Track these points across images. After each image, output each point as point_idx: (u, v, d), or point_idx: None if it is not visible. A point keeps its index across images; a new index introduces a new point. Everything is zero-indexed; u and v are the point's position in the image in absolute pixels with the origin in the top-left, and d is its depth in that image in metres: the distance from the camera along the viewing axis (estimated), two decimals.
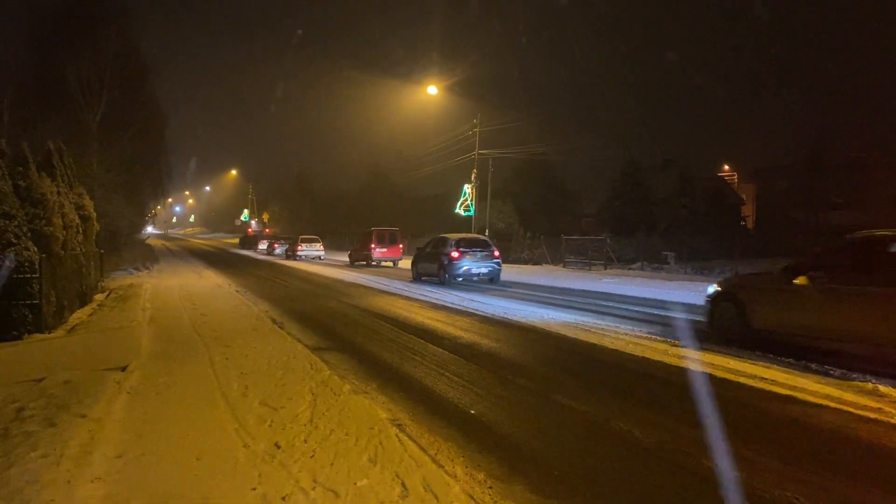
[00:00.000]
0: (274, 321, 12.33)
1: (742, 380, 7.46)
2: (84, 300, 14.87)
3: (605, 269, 30.15)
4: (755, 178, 58.42)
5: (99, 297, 16.74)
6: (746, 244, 35.29)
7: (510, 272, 27.46)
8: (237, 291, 18.75)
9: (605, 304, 15.85)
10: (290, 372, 7.73)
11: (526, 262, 35.38)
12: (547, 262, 34.47)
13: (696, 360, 8.39)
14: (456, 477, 4.56)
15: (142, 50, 35.67)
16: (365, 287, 20.73)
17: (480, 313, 13.57)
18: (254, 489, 4.26)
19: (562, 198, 53.62)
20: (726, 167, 63.14)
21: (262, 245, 58.03)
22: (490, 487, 4.45)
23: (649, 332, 10.83)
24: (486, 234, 38.06)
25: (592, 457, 5.11)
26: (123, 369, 7.76)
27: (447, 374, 7.94)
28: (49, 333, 10.77)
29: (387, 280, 23.65)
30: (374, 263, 33.16)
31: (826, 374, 7.64)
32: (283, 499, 4.12)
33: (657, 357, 8.77)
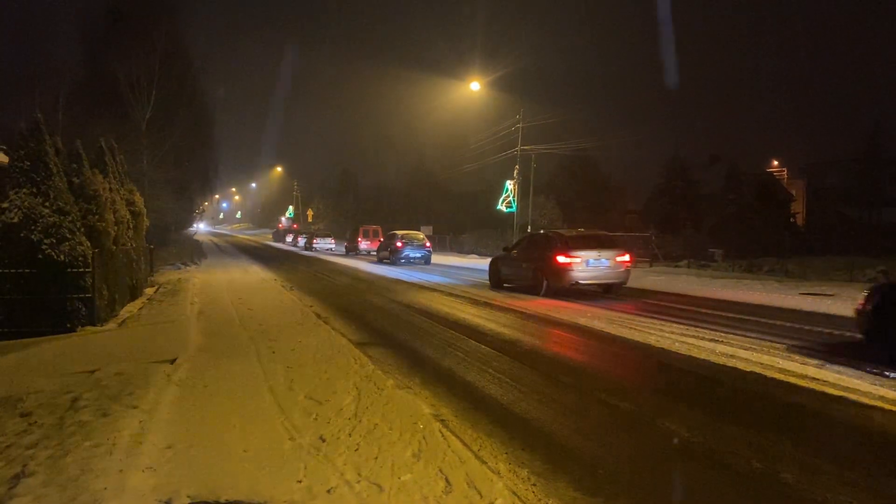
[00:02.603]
0: (318, 316, 12.46)
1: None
2: (134, 294, 15.24)
3: (651, 266, 29.74)
4: (805, 174, 57.01)
5: (149, 291, 17.12)
6: (797, 241, 34.46)
7: None
8: (283, 287, 19.02)
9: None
10: (334, 366, 7.80)
11: None
12: None
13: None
14: (499, 473, 4.55)
15: (190, 49, 36.25)
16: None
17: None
18: (299, 481, 4.31)
19: (605, 194, 53.11)
20: (775, 163, 61.69)
21: (289, 238, 69.78)
22: (534, 485, 4.43)
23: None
24: (529, 230, 37.93)
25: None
26: (172, 362, 7.92)
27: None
28: (101, 326, 11.06)
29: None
30: (361, 252, 42.03)
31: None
32: (329, 491, 4.16)
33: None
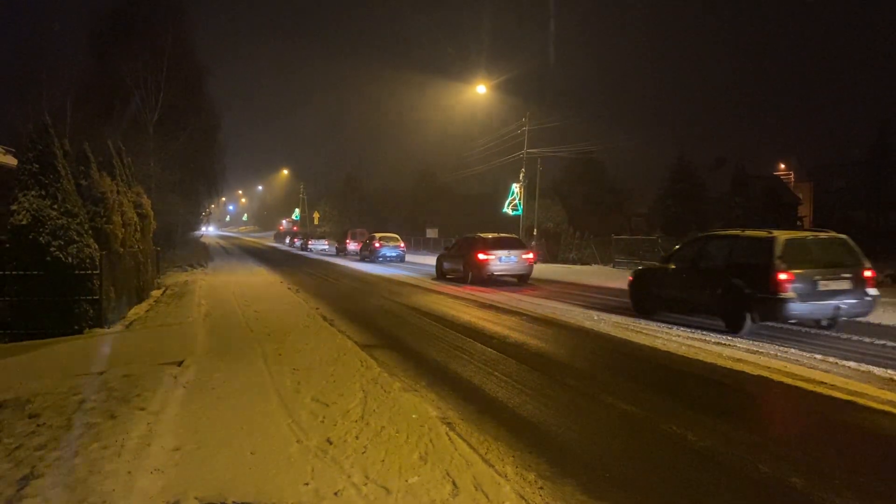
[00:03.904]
0: (324, 318, 12.47)
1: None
2: (141, 296, 15.28)
3: None
4: (812, 177, 56.85)
5: (155, 293, 17.16)
6: None
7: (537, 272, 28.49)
8: (289, 289, 19.04)
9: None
10: (340, 368, 7.81)
11: (574, 263, 34.96)
12: (596, 263, 34.01)
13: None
14: (506, 476, 4.55)
15: (197, 52, 36.28)
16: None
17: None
18: (306, 484, 4.32)
19: (612, 197, 52.93)
20: (782, 166, 61.46)
21: (287, 240, 76.50)
22: (541, 488, 4.42)
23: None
24: (535, 233, 37.89)
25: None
26: (180, 364, 7.94)
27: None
28: (108, 328, 11.09)
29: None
30: (350, 253, 46.34)
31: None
32: (336, 494, 4.17)
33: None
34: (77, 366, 7.91)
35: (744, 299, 10.66)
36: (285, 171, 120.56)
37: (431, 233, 55.59)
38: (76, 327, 10.50)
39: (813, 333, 11.01)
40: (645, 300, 13.43)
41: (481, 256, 20.58)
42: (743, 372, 7.85)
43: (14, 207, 10.28)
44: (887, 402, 6.44)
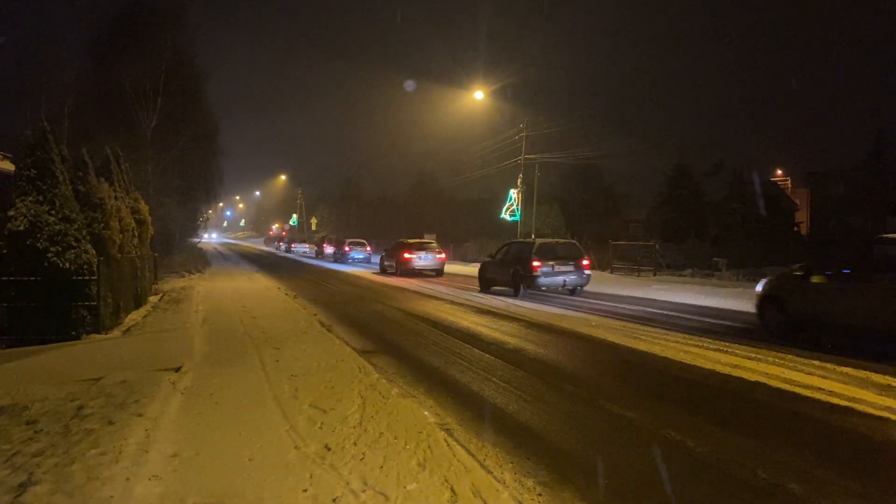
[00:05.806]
0: (322, 324, 12.47)
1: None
2: (139, 302, 15.25)
3: (655, 275, 29.69)
4: (809, 183, 56.88)
5: (153, 299, 17.14)
6: (800, 251, 34.28)
7: None
8: (287, 295, 19.03)
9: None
10: (338, 374, 7.80)
11: None
12: (594, 269, 33.94)
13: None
14: (505, 483, 4.55)
15: (195, 58, 36.21)
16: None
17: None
18: (305, 490, 4.31)
19: (609, 202, 53.03)
20: (779, 172, 61.56)
21: (275, 243, 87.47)
22: (539, 494, 4.42)
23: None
24: (532, 238, 37.91)
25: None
26: (177, 370, 7.93)
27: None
28: (106, 334, 11.07)
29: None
30: (327, 256, 52.22)
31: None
32: (334, 501, 4.16)
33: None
34: (74, 372, 7.89)
35: (519, 277, 18.86)
36: (283, 177, 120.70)
37: (429, 238, 55.64)
38: (73, 333, 10.48)
39: (561, 296, 19.15)
40: (483, 281, 21.40)
41: (406, 255, 28.04)
42: (741, 378, 7.85)
43: (11, 213, 10.27)
44: (885, 407, 6.45)
